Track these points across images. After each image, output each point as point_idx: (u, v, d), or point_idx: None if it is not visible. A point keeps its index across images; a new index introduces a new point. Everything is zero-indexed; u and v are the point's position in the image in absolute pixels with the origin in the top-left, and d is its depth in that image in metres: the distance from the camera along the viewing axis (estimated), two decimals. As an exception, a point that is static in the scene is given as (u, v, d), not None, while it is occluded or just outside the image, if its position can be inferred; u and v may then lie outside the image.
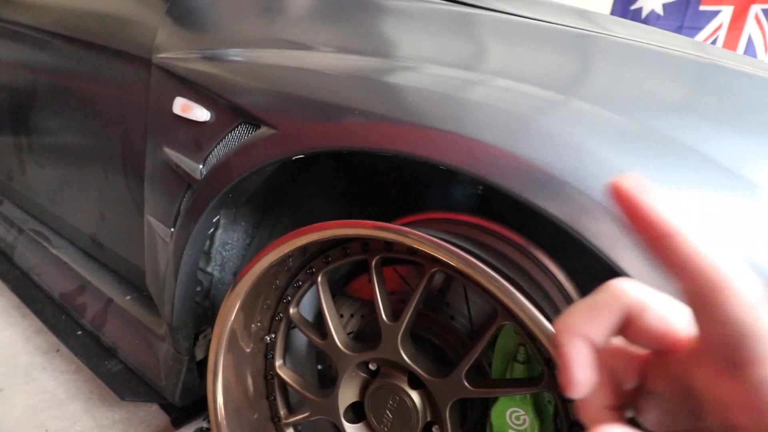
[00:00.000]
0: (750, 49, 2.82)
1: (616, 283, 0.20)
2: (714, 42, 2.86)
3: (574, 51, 0.50)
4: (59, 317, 1.19)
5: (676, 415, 0.19)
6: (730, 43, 2.85)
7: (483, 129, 0.44)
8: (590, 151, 0.40)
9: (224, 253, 0.87)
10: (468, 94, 0.47)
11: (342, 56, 0.59)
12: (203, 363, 0.88)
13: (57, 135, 1.19)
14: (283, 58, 0.64)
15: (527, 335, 0.55)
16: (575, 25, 0.57)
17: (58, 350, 1.25)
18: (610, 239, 0.39)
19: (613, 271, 0.40)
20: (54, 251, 1.31)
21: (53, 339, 1.19)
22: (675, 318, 0.19)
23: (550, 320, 0.46)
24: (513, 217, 0.71)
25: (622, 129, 0.42)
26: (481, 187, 0.77)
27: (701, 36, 2.90)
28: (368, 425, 0.69)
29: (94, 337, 1.11)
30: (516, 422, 0.61)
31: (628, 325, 0.19)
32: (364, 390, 0.68)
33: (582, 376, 0.19)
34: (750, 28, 2.81)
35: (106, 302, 1.12)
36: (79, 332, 1.14)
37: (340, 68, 0.57)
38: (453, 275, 0.61)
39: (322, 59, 0.60)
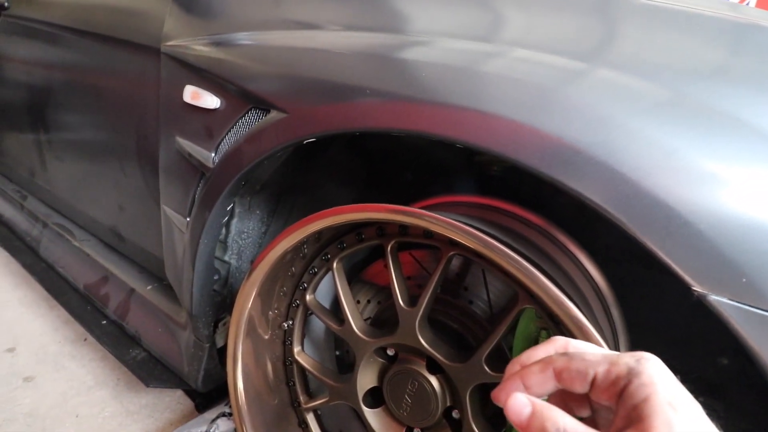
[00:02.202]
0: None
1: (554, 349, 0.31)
2: (747, 3, 2.69)
3: (596, 15, 0.47)
4: (85, 308, 1.22)
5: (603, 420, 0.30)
6: (765, 3, 2.68)
7: (501, 103, 0.41)
8: (619, 122, 0.38)
9: (240, 242, 0.87)
10: (484, 67, 0.44)
11: (351, 34, 0.57)
12: (224, 350, 0.89)
13: (74, 129, 1.21)
14: (291, 39, 0.62)
15: (549, 318, 0.53)
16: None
17: (85, 339, 1.29)
18: (641, 217, 0.37)
19: (636, 249, 0.38)
20: (77, 244, 1.34)
21: (80, 329, 1.23)
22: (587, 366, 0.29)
23: (573, 302, 0.44)
24: (533, 197, 0.68)
25: (653, 97, 0.39)
26: (497, 168, 0.74)
27: (732, -3, 2.72)
28: (387, 410, 0.68)
29: (118, 326, 1.14)
30: (538, 407, 0.59)
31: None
32: (382, 375, 0.68)
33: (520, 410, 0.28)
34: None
35: (129, 292, 1.15)
36: (104, 321, 1.17)
37: (350, 47, 0.55)
38: (471, 258, 0.59)
39: (330, 38, 0.58)
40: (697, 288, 0.36)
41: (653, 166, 0.36)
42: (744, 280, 0.35)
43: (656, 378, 0.26)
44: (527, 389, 0.30)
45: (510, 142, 0.40)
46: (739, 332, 0.35)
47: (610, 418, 0.29)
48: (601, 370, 0.28)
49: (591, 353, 0.29)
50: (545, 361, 0.29)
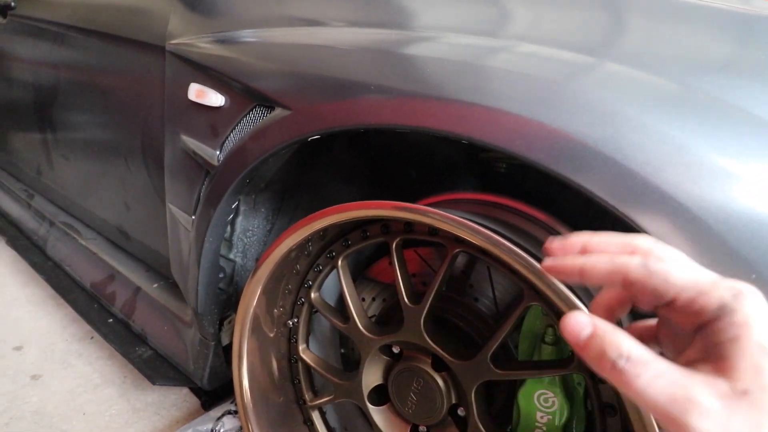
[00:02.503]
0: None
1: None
2: None
3: (604, 9, 0.46)
4: (91, 306, 1.23)
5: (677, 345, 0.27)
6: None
7: (508, 98, 0.41)
8: (627, 116, 0.37)
9: (246, 240, 0.88)
10: (490, 61, 0.44)
11: (355, 30, 0.56)
12: (229, 348, 0.89)
13: (79, 128, 1.21)
14: (295, 36, 0.62)
15: (556, 315, 0.52)
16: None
17: (92, 337, 1.30)
18: (649, 213, 0.37)
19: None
20: (84, 243, 1.35)
21: (87, 327, 1.23)
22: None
23: (580, 300, 0.44)
24: (539, 194, 0.68)
25: (662, 91, 0.38)
26: (504, 165, 0.74)
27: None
28: (392, 408, 0.68)
29: (124, 324, 1.15)
30: (544, 404, 0.59)
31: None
32: (387, 373, 0.68)
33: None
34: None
35: (135, 290, 1.15)
36: (111, 320, 1.17)
37: (354, 43, 0.55)
38: (477, 255, 0.59)
39: (334, 35, 0.58)
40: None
41: (662, 161, 0.36)
42: (753, 276, 0.34)
43: (753, 319, 0.22)
44: (581, 277, 0.27)
45: (517, 138, 0.40)
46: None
47: (677, 339, 0.26)
48: (684, 297, 0.24)
49: (677, 276, 0.24)
50: (619, 266, 0.25)
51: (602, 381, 0.51)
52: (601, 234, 0.28)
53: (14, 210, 1.70)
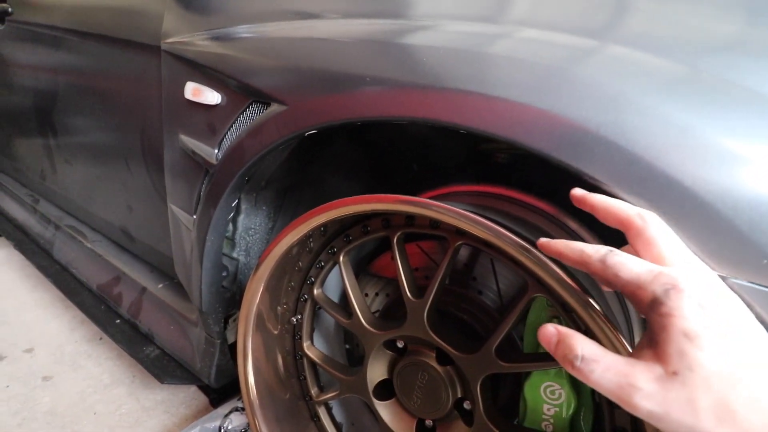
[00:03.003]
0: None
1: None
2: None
3: (604, -10, 0.45)
4: (99, 307, 1.24)
5: None
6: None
7: (507, 86, 0.40)
8: (631, 100, 0.36)
9: (248, 239, 0.87)
10: (489, 48, 0.43)
11: (350, 21, 0.55)
12: (235, 345, 0.89)
13: (80, 131, 1.22)
14: (289, 30, 0.61)
15: (561, 307, 0.52)
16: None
17: (100, 338, 1.31)
18: (655, 199, 0.35)
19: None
20: (89, 245, 1.36)
21: (95, 328, 1.25)
22: None
23: (584, 289, 0.43)
24: (541, 184, 0.67)
25: (667, 73, 0.37)
26: (504, 156, 0.72)
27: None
28: (398, 402, 0.68)
29: (131, 324, 1.16)
30: (551, 396, 0.58)
31: None
32: (392, 368, 0.67)
33: None
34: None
35: (141, 291, 1.16)
36: (118, 321, 1.18)
37: (348, 35, 0.54)
38: (479, 248, 0.58)
39: (328, 27, 0.57)
40: (715, 271, 0.35)
41: (667, 145, 0.35)
42: (765, 261, 0.33)
43: (678, 311, 0.26)
44: (561, 258, 0.34)
45: (516, 126, 0.39)
46: (761, 316, 0.33)
47: None
48: (627, 290, 0.29)
49: (625, 270, 0.29)
50: (583, 258, 0.32)
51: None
52: (573, 242, 0.33)
53: (20, 215, 1.72)
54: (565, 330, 0.30)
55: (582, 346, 0.29)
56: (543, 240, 0.35)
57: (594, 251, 0.31)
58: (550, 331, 0.31)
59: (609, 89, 0.37)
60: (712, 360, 0.25)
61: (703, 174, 0.34)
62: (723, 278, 0.35)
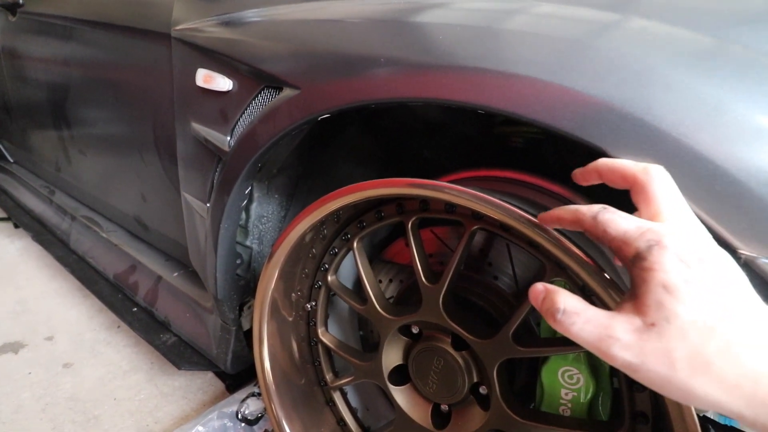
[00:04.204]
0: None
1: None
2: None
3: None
4: (116, 296, 1.26)
5: None
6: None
7: (526, 63, 0.39)
8: (657, 74, 0.34)
9: (261, 227, 0.88)
10: (506, 24, 0.41)
11: (362, 1, 0.54)
12: (250, 332, 0.90)
13: (93, 122, 1.22)
14: (300, 12, 0.60)
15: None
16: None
17: (118, 326, 1.34)
18: (683, 177, 0.34)
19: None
20: (105, 235, 1.38)
21: (113, 316, 1.27)
22: None
23: (603, 270, 0.42)
24: (559, 168, 0.65)
25: (694, 46, 0.36)
26: (521, 140, 0.71)
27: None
28: (414, 387, 0.68)
29: (148, 312, 1.18)
30: (569, 381, 0.58)
31: None
32: (407, 353, 0.67)
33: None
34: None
35: (156, 280, 1.17)
36: (135, 309, 1.20)
37: (361, 15, 0.52)
38: (495, 232, 0.57)
39: (340, 8, 0.56)
40: (744, 251, 0.34)
41: (697, 121, 0.33)
42: (798, 240, 0.32)
43: (659, 265, 0.27)
44: (558, 223, 0.36)
45: (537, 104, 0.38)
46: (793, 296, 0.32)
47: None
48: (614, 245, 0.30)
49: (613, 226, 0.30)
50: (578, 216, 0.33)
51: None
52: (566, 207, 0.35)
53: (37, 206, 1.75)
54: (551, 287, 0.31)
55: (564, 300, 0.30)
56: (541, 214, 0.37)
57: (587, 209, 0.32)
58: (539, 288, 0.32)
59: (634, 64, 0.36)
60: (689, 312, 0.26)
61: (735, 151, 0.33)
62: (753, 259, 0.34)
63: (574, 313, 0.29)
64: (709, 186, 0.33)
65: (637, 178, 0.32)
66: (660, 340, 0.26)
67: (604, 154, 0.36)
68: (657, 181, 0.32)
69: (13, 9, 1.44)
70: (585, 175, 0.36)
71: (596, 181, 0.36)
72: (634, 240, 0.29)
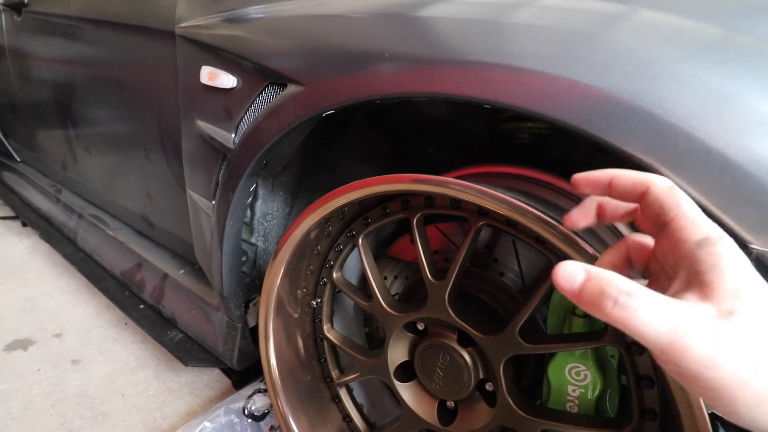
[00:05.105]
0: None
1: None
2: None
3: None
4: (123, 293, 1.27)
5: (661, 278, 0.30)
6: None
7: (532, 56, 0.38)
8: (666, 66, 0.34)
9: (266, 224, 0.88)
10: (511, 18, 0.41)
11: (366, -4, 0.54)
12: (256, 329, 0.91)
13: (99, 121, 1.23)
14: (303, 7, 0.60)
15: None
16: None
17: (125, 323, 1.35)
18: (693, 171, 0.34)
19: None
20: (111, 233, 1.39)
21: (120, 313, 1.28)
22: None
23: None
24: (566, 164, 0.65)
25: (703, 37, 0.35)
26: (527, 135, 0.70)
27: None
28: (419, 383, 0.68)
29: (155, 309, 1.19)
30: (576, 378, 0.57)
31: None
32: (413, 350, 0.67)
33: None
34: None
35: (163, 277, 1.18)
36: (142, 306, 1.21)
37: (365, 10, 0.52)
38: (501, 228, 0.57)
39: (344, 3, 0.55)
40: (756, 246, 0.33)
41: (708, 114, 0.33)
42: (812, 235, 0.32)
43: (732, 251, 0.25)
44: (609, 187, 0.31)
45: (543, 98, 0.37)
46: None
47: (661, 274, 0.30)
48: (682, 221, 0.27)
49: (688, 205, 0.27)
50: (647, 177, 0.29)
51: (639, 353, 0.49)
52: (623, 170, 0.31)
53: (44, 205, 1.76)
54: (593, 268, 0.25)
55: (620, 283, 0.24)
56: (579, 175, 0.32)
57: (660, 179, 0.29)
58: (574, 267, 0.25)
59: (642, 56, 0.35)
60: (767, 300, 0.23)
61: (747, 144, 0.32)
62: (764, 253, 0.34)
63: (641, 297, 0.24)
64: (720, 180, 0.33)
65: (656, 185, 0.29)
66: (740, 328, 0.23)
67: (612, 149, 0.36)
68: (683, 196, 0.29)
69: (18, 8, 1.44)
70: (594, 180, 0.32)
71: (602, 192, 0.32)
72: (704, 223, 0.26)
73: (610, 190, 0.31)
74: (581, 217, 0.32)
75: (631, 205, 0.32)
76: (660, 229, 0.28)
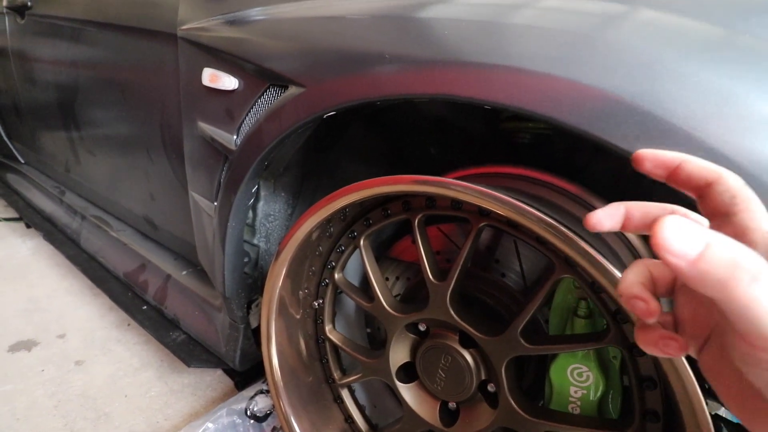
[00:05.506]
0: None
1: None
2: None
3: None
4: (126, 294, 1.27)
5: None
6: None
7: (533, 57, 0.38)
8: (666, 67, 0.34)
9: (268, 225, 0.88)
10: (511, 19, 0.41)
11: (367, -2, 0.54)
12: (258, 330, 0.91)
13: (102, 123, 1.24)
14: (304, 9, 0.60)
15: (590, 288, 0.50)
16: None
17: (128, 324, 1.35)
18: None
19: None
20: (114, 234, 1.39)
21: (123, 314, 1.29)
22: None
23: (618, 268, 0.42)
24: (567, 164, 0.65)
25: (703, 36, 0.35)
26: (528, 136, 0.70)
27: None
28: (421, 384, 0.68)
29: (158, 310, 1.19)
30: (578, 379, 0.57)
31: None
32: (414, 351, 0.67)
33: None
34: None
35: (165, 278, 1.19)
36: (145, 307, 1.21)
37: (365, 11, 0.52)
38: (502, 229, 0.57)
39: (344, 4, 0.56)
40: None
41: (707, 114, 0.33)
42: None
43: None
44: (679, 169, 0.26)
45: (545, 99, 0.37)
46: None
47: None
48: (751, 215, 0.23)
49: (758, 202, 0.24)
50: (720, 167, 0.25)
51: (640, 354, 0.49)
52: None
53: (48, 206, 1.77)
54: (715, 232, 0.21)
55: (755, 256, 0.19)
56: (645, 150, 0.27)
57: (724, 169, 0.26)
58: (688, 227, 0.20)
59: (642, 56, 0.35)
60: None
61: (747, 144, 0.32)
62: None
63: (703, 235, 0.19)
64: (722, 181, 0.32)
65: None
66: None
67: (613, 149, 0.36)
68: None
69: (21, 11, 1.45)
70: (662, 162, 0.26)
71: (663, 173, 0.27)
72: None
73: (674, 173, 0.26)
74: (607, 218, 0.27)
75: (656, 215, 0.27)
76: (724, 218, 0.25)
